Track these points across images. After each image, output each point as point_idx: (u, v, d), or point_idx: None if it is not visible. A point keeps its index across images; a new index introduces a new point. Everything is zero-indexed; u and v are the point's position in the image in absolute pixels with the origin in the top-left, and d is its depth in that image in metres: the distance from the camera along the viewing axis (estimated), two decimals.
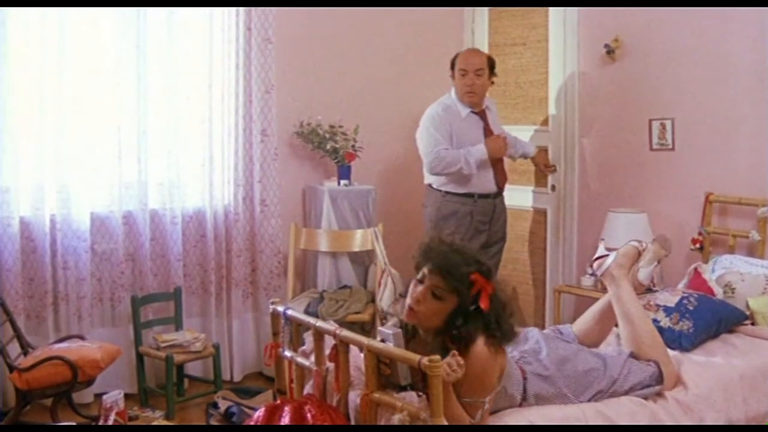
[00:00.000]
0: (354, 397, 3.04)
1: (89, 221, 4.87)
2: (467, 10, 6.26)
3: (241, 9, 5.22)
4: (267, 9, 5.29)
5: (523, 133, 5.89)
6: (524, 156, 5.52)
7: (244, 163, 5.33)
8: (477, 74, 5.00)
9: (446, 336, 2.92)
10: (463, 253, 2.98)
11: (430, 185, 5.20)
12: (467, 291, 2.90)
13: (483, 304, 2.89)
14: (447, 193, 5.10)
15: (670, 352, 3.53)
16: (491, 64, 5.10)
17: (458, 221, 5.04)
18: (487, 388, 2.89)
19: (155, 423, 4.20)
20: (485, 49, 6.14)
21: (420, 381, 2.81)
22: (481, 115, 5.15)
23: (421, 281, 2.96)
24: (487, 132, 5.11)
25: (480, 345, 2.88)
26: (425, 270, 2.96)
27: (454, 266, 2.91)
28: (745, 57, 4.69)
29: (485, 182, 5.09)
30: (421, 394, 2.85)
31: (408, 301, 2.96)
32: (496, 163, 5.11)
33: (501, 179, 5.20)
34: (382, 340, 2.96)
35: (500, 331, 2.94)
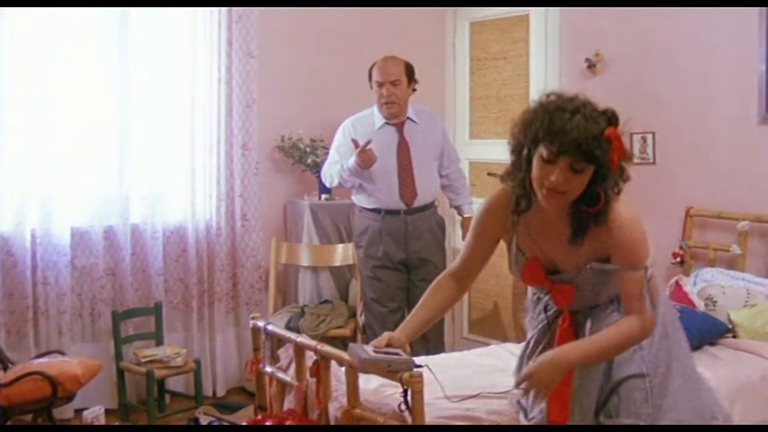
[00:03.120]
0: (334, 412, 3.02)
1: (69, 236, 4.85)
2: (448, 24, 6.27)
3: (223, 23, 5.22)
4: (249, 23, 5.29)
5: (504, 147, 5.89)
6: (457, 209, 5.18)
7: (225, 177, 5.32)
8: (393, 84, 4.77)
9: (580, 203, 2.61)
10: (583, 111, 2.52)
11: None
12: (607, 153, 2.51)
13: (618, 155, 2.53)
14: (362, 208, 4.95)
15: None
16: (409, 71, 4.86)
17: (370, 239, 4.86)
18: (642, 254, 2.67)
19: None
20: (466, 63, 6.18)
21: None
22: (399, 126, 4.90)
23: (549, 161, 2.53)
24: (402, 145, 4.86)
25: (619, 210, 2.63)
26: (553, 149, 2.50)
27: (584, 137, 2.47)
28: (726, 71, 4.71)
29: (388, 196, 4.82)
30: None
31: (545, 182, 2.55)
32: (404, 178, 4.83)
33: (408, 195, 4.84)
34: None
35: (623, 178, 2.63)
